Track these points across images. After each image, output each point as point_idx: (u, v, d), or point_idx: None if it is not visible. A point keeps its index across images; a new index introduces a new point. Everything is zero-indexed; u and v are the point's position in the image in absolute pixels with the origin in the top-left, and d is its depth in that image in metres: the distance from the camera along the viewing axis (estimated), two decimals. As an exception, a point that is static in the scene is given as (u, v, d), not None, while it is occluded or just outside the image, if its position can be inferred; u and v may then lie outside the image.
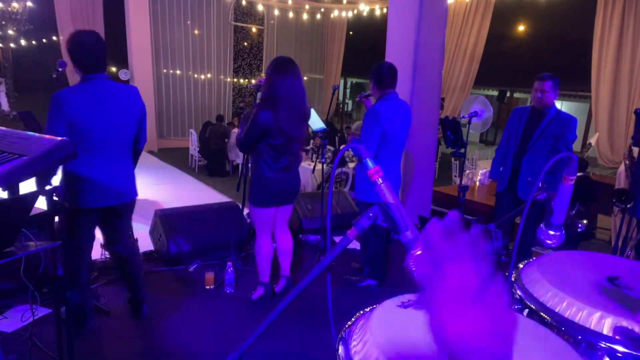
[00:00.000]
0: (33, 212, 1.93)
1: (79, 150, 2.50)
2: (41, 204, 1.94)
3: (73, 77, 10.34)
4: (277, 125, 2.87)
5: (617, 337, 1.02)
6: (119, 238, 2.89)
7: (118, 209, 2.75)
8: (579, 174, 6.08)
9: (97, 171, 2.58)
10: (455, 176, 8.26)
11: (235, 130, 9.66)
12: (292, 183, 3.17)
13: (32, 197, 1.84)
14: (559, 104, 14.48)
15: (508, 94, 13.62)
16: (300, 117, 3.00)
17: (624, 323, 1.04)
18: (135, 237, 3.74)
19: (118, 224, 2.86)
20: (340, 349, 0.90)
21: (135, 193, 2.85)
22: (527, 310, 1.21)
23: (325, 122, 4.35)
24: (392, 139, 3.29)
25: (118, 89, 2.61)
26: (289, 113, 2.88)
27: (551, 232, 1.51)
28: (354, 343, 0.89)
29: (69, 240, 2.65)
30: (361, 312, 1.03)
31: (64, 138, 1.83)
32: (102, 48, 2.51)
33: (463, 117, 4.35)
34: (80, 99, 2.44)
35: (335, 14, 12.03)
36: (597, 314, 1.07)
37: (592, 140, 7.48)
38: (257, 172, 3.07)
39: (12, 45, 11.14)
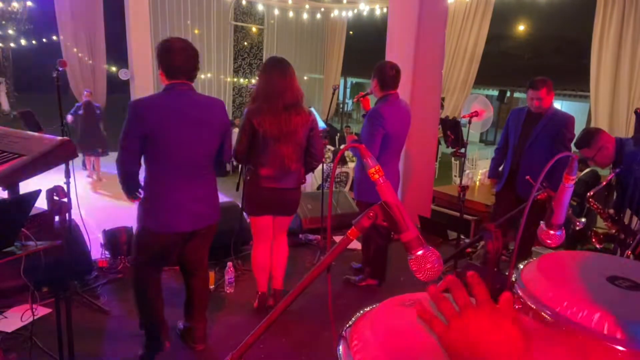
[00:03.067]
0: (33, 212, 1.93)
1: (154, 167, 2.36)
2: (41, 203, 1.93)
3: (73, 77, 10.33)
4: (263, 126, 2.74)
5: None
6: (193, 268, 2.67)
7: (191, 234, 2.51)
8: (586, 169, 5.97)
9: (169, 191, 2.36)
10: (455, 176, 8.27)
11: (235, 130, 9.66)
12: (285, 191, 2.94)
13: (32, 197, 1.84)
14: (558, 104, 14.55)
15: (508, 94, 13.62)
16: (291, 114, 2.78)
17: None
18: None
19: (190, 252, 2.62)
20: (341, 348, 0.90)
21: (212, 216, 2.54)
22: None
23: (325, 122, 4.37)
24: (392, 141, 3.29)
25: (200, 101, 2.40)
26: (274, 111, 2.74)
27: (551, 232, 1.51)
28: (354, 342, 0.89)
29: (136, 253, 2.51)
30: (362, 311, 1.03)
31: (64, 137, 1.82)
32: (189, 55, 2.31)
33: (463, 117, 4.36)
34: (159, 111, 2.28)
35: (335, 13, 12.02)
36: (598, 314, 1.07)
37: (592, 141, 7.47)
38: (248, 178, 2.98)
39: (12, 45, 11.13)
